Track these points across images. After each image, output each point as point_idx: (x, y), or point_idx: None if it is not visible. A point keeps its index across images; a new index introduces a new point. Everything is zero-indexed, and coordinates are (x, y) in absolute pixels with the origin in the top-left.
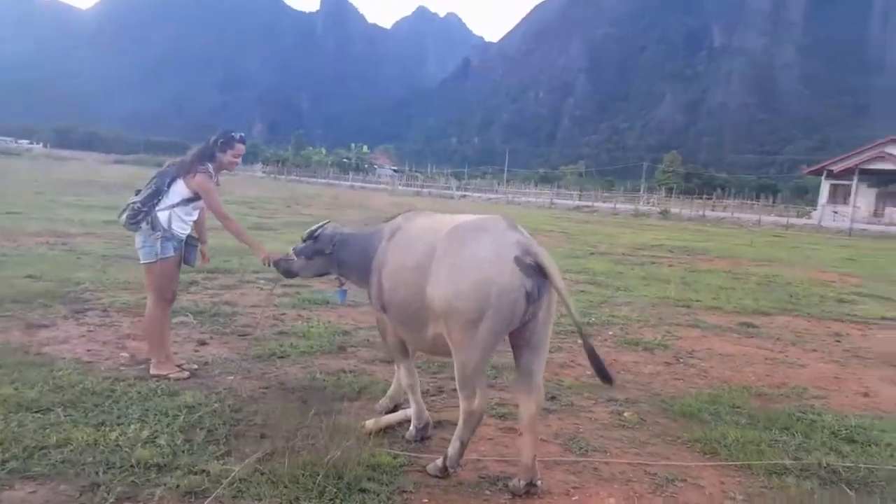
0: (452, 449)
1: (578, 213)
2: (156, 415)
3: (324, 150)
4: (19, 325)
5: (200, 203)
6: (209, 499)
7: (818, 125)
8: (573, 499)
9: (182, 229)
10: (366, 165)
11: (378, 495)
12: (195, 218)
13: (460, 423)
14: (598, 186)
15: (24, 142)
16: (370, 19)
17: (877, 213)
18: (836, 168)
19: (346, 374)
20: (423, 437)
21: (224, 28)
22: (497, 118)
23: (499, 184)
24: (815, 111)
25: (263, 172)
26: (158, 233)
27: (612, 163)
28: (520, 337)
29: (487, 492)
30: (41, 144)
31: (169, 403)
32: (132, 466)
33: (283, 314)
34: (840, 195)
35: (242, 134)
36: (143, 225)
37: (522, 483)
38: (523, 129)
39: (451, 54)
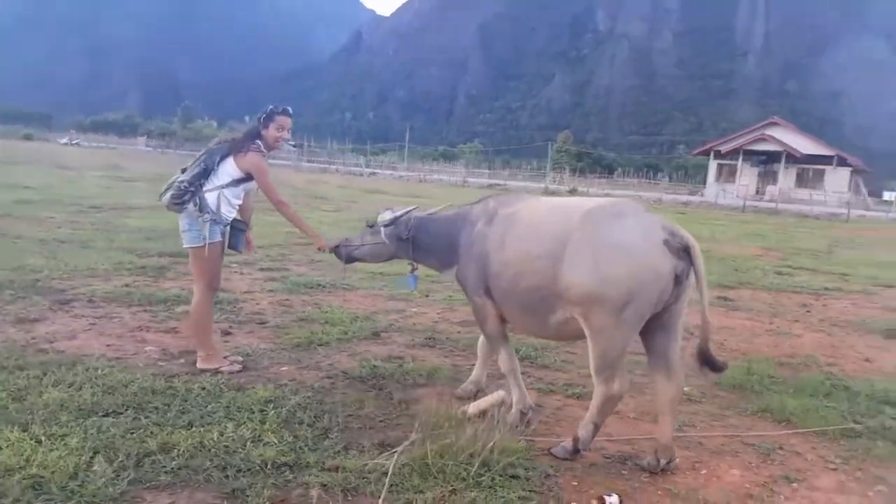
0: (584, 431)
1: (494, 191)
2: (240, 411)
3: (215, 124)
4: (8, 319)
5: (249, 185)
6: (381, 497)
7: (693, 107)
8: (702, 472)
9: (229, 212)
10: None
11: (529, 480)
12: (241, 201)
13: (596, 406)
14: (497, 164)
15: None
16: None
17: (759, 191)
18: (724, 149)
19: (401, 361)
20: (525, 420)
21: None
22: (392, 94)
23: (401, 160)
24: (690, 94)
25: (148, 146)
26: (207, 215)
27: (506, 141)
28: (657, 319)
29: (623, 471)
30: None
31: (245, 399)
32: (261, 468)
33: (287, 300)
34: (725, 174)
35: (285, 107)
36: (190, 206)
37: (663, 461)
38: (419, 105)
39: (342, 27)
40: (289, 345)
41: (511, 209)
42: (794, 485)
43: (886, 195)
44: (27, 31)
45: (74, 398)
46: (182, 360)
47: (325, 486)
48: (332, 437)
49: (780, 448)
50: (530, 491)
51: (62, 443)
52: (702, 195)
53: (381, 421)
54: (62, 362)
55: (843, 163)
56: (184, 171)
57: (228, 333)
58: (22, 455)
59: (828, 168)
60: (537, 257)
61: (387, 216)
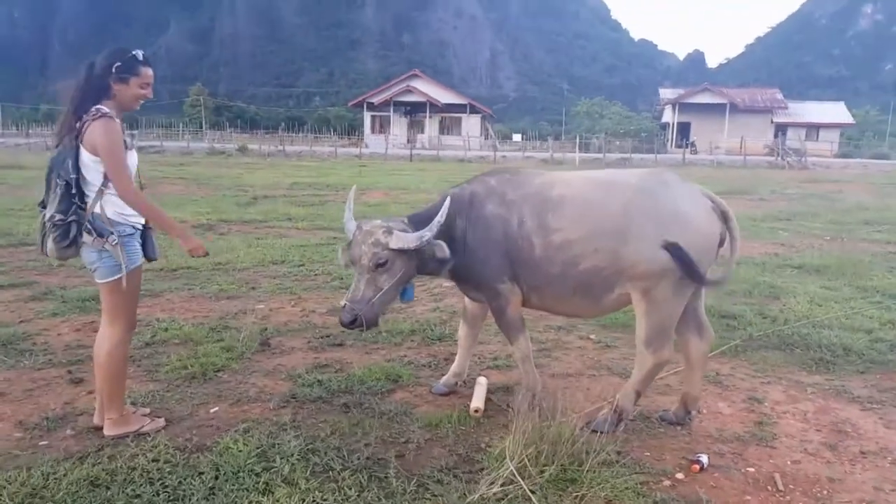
0: (626, 400)
1: (151, 154)
2: (243, 477)
3: None
4: None
5: (130, 160)
6: None
7: (323, 57)
8: (704, 413)
9: (126, 211)
10: None
11: (619, 463)
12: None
13: (641, 374)
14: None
15: None
16: None
17: (409, 140)
18: (377, 100)
19: (333, 370)
20: (536, 404)
21: None
22: None
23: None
24: (317, 44)
25: None
26: (113, 236)
27: None
28: None
29: (660, 428)
30: None
31: (231, 461)
32: None
33: (94, 322)
34: (378, 125)
35: (143, 51)
36: (86, 237)
37: (693, 412)
38: (1, 55)
39: None
40: (180, 379)
41: (528, 189)
42: (766, 404)
43: (515, 136)
44: None
45: None
46: (69, 432)
47: None
48: (395, 480)
49: (717, 374)
50: (634, 473)
51: None
52: (366, 146)
53: (408, 442)
54: None
55: (473, 110)
56: (43, 205)
57: (78, 382)
58: None
59: (463, 115)
60: (600, 237)
61: (410, 237)
